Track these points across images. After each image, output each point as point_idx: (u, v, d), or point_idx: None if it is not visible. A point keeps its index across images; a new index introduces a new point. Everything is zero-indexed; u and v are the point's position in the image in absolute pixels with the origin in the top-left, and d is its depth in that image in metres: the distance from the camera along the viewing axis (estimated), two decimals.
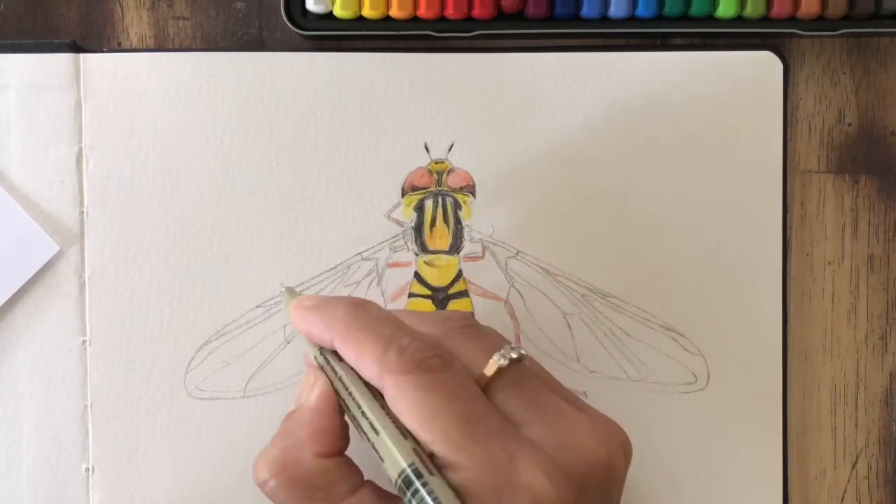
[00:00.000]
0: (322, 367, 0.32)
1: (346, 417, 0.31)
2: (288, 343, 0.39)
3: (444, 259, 0.40)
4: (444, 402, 0.29)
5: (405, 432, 0.29)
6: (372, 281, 0.40)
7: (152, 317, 0.39)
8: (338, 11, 0.39)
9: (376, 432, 0.29)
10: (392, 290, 0.39)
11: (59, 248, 0.39)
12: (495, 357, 0.31)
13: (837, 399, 0.41)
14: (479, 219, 0.40)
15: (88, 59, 0.39)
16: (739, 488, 0.40)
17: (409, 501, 0.28)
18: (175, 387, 0.39)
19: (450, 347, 0.31)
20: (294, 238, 0.39)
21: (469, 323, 0.34)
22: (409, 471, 0.28)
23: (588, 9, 0.39)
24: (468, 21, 0.39)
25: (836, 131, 0.41)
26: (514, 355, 0.31)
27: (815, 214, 0.41)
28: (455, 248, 0.40)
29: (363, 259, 0.40)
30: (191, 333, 0.39)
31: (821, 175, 0.41)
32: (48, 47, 0.39)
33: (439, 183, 0.40)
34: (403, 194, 0.40)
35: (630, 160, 0.40)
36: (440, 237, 0.40)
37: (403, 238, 0.40)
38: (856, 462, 0.41)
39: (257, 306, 0.39)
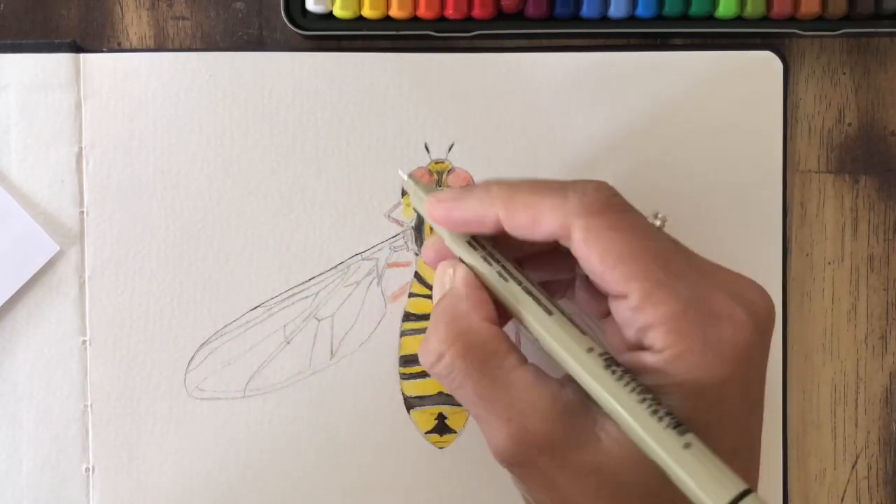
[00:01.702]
0: (476, 258, 0.31)
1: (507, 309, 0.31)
2: (288, 343, 0.39)
3: None
4: (640, 241, 0.29)
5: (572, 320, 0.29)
6: (372, 281, 0.40)
7: (152, 317, 0.39)
8: (338, 11, 0.39)
9: (549, 312, 0.29)
10: (392, 290, 0.39)
11: (59, 248, 0.39)
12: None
13: (837, 399, 0.41)
14: None
15: (88, 59, 0.39)
16: None
17: (618, 376, 0.27)
18: (175, 387, 0.39)
19: None
20: (294, 238, 0.39)
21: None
22: (598, 351, 0.28)
23: (588, 9, 0.39)
24: (468, 21, 0.39)
25: (836, 131, 0.41)
26: (658, 222, 0.32)
27: (815, 214, 0.41)
28: None
29: (363, 259, 0.40)
30: (191, 333, 0.39)
31: (821, 175, 0.41)
32: (48, 47, 0.39)
33: (439, 183, 0.40)
34: (403, 194, 0.40)
35: (630, 160, 0.40)
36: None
37: (403, 238, 0.40)
38: (856, 462, 0.41)
39: (257, 306, 0.39)
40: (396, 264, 0.40)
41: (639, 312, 0.28)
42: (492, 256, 0.31)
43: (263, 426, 0.39)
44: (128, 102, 0.39)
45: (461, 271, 0.31)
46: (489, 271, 0.31)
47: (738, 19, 0.39)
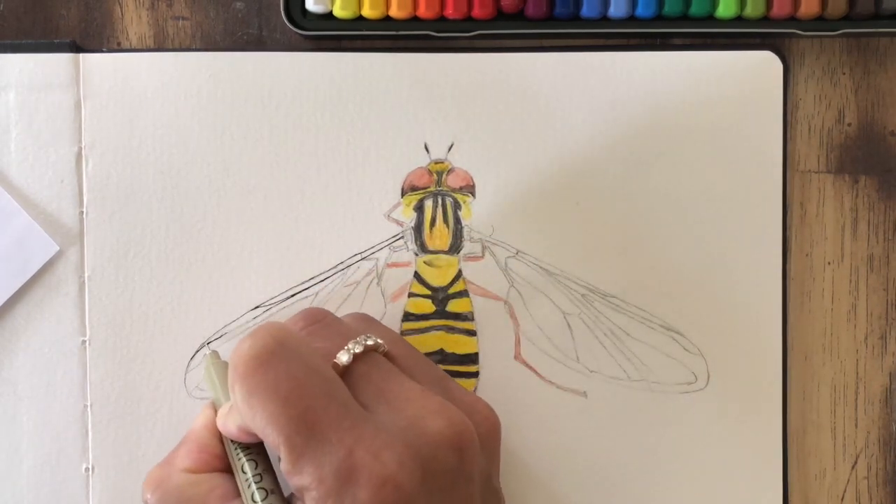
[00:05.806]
0: (227, 450, 0.34)
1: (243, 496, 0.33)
2: None
3: (443, 259, 0.40)
4: (281, 406, 0.29)
5: None
6: (372, 281, 0.40)
7: (152, 317, 0.39)
8: (338, 11, 0.39)
9: (249, 485, 0.31)
10: (392, 290, 0.39)
11: (59, 248, 0.39)
12: (337, 357, 0.31)
13: (837, 399, 0.41)
14: (478, 219, 0.40)
15: (88, 59, 0.39)
16: (739, 488, 0.40)
17: None
18: (175, 387, 0.39)
19: None
20: (294, 238, 0.39)
21: (312, 322, 0.34)
22: None
23: (588, 9, 0.39)
24: (468, 21, 0.39)
25: (836, 131, 0.41)
26: (357, 350, 0.31)
27: (815, 214, 0.41)
28: (455, 247, 0.40)
29: (363, 259, 0.40)
30: (191, 333, 0.39)
31: (820, 175, 0.41)
32: (48, 47, 0.39)
33: (439, 183, 0.40)
34: (403, 194, 0.40)
35: (630, 160, 0.40)
36: (440, 237, 0.40)
37: (403, 238, 0.40)
38: (856, 462, 0.41)
39: (257, 306, 0.39)
40: (396, 264, 0.40)
41: (288, 478, 0.29)
42: (236, 452, 0.34)
43: None
44: (128, 102, 0.39)
45: (200, 420, 0.35)
46: (226, 441, 0.34)
47: (738, 19, 0.39)
